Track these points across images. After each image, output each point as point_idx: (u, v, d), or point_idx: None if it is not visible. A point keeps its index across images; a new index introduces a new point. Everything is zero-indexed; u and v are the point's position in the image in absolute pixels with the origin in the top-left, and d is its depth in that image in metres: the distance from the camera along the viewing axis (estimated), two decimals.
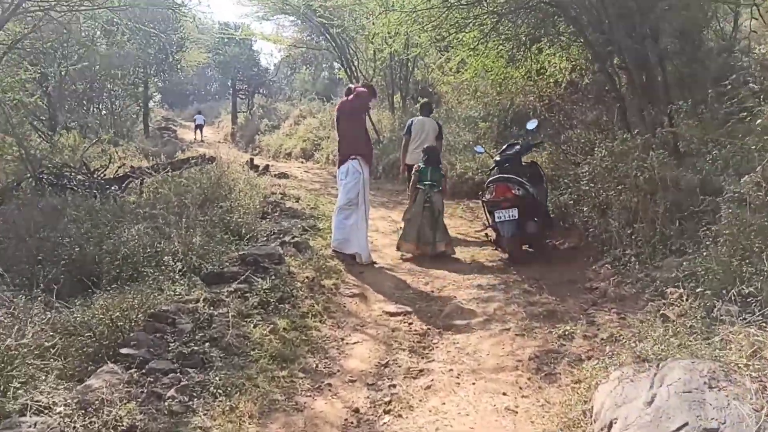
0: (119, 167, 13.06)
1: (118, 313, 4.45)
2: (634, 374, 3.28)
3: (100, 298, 4.77)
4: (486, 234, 7.17)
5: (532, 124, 7.32)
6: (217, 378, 3.66)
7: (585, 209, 6.77)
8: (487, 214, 6.84)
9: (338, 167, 7.24)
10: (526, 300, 5.37)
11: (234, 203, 8.70)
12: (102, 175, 12.42)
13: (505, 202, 6.38)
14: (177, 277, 5.52)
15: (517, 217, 6.31)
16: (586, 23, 8.15)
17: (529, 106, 12.20)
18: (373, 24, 11.38)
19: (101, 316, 4.36)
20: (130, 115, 25.08)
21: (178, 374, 3.76)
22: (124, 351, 3.95)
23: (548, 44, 11.08)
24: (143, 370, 3.74)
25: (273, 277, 5.54)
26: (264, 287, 5.24)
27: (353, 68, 17.99)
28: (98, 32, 21.06)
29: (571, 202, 7.53)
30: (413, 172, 7.60)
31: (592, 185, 6.64)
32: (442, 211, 7.38)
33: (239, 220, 8.02)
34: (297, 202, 9.89)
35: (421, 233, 7.13)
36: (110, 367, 3.69)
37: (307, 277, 5.78)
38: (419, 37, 11.57)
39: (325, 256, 6.60)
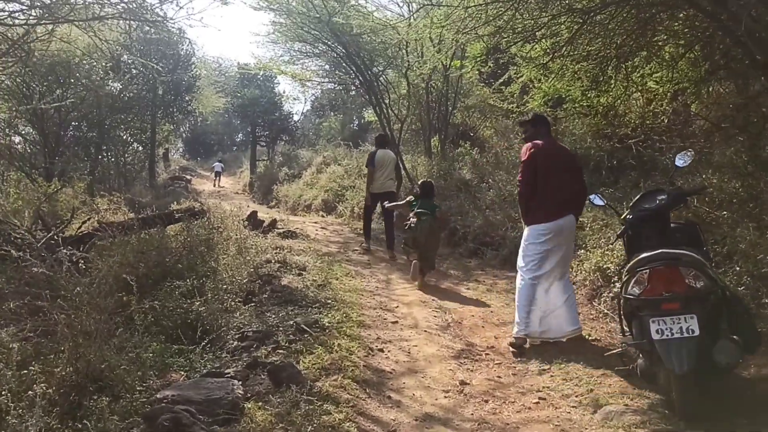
0: (83, 222, 10.39)
1: None
2: None
3: None
4: (621, 353, 3.98)
5: (683, 159, 4.25)
6: None
7: None
8: (625, 321, 3.76)
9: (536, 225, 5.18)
10: None
11: (206, 279, 5.88)
12: (60, 233, 9.80)
13: (672, 303, 3.33)
14: None
15: (697, 333, 3.24)
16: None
17: (607, 145, 9.15)
18: (410, 26, 8.50)
19: None
20: (138, 163, 22.76)
21: None
22: None
23: (645, 61, 8.17)
24: None
25: None
26: None
27: (383, 107, 15.24)
28: (100, 70, 18.97)
29: (743, 288, 4.50)
30: (407, 202, 8.20)
31: None
32: (435, 236, 7.91)
33: (202, 309, 5.15)
34: (300, 275, 6.95)
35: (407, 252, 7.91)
36: None
37: None
38: (468, 48, 8.73)
39: (324, 394, 3.58)
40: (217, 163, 32.99)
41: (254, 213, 11.14)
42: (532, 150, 5.12)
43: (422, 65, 10.99)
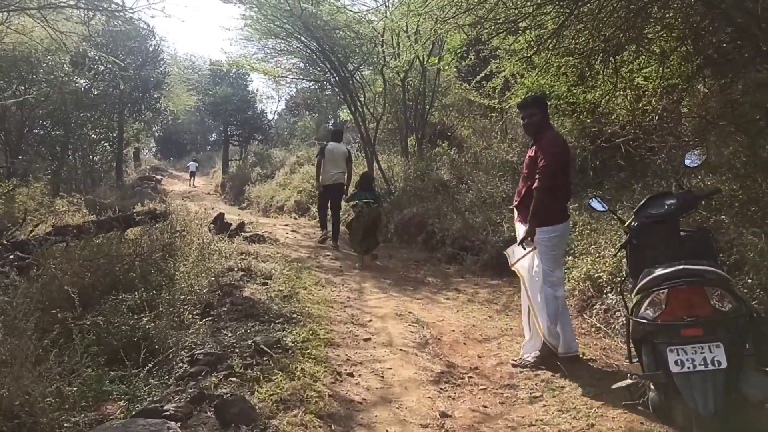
0: (35, 226, 9.68)
1: None
2: None
3: None
4: (629, 385, 3.41)
5: (692, 159, 3.75)
6: None
7: None
8: (636, 347, 3.23)
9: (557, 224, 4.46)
10: None
11: (161, 290, 5.32)
12: (9, 237, 9.12)
13: (694, 329, 2.83)
14: None
15: (724, 365, 2.74)
16: None
17: (591, 146, 8.64)
18: (385, 15, 7.95)
19: None
20: (106, 162, 21.95)
21: None
22: None
23: (634, 55, 7.70)
24: None
25: None
26: None
27: (358, 105, 14.65)
28: (65, 66, 18.20)
29: (755, 302, 4.03)
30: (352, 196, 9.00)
31: None
32: (378, 222, 8.83)
33: (150, 326, 4.57)
34: (265, 284, 6.36)
35: (354, 242, 8.68)
36: None
37: None
38: (447, 39, 8.19)
39: None
40: (191, 163, 32.88)
41: (221, 215, 10.52)
42: (564, 142, 4.69)
43: (398, 58, 10.44)
